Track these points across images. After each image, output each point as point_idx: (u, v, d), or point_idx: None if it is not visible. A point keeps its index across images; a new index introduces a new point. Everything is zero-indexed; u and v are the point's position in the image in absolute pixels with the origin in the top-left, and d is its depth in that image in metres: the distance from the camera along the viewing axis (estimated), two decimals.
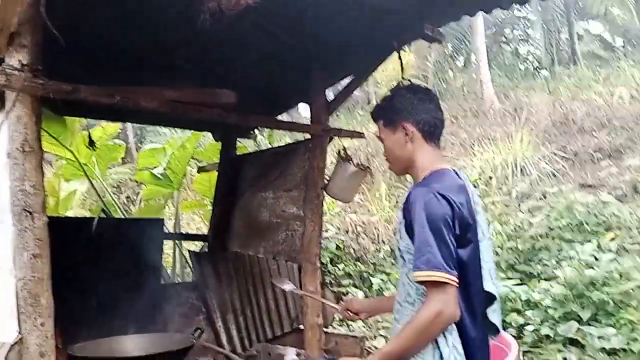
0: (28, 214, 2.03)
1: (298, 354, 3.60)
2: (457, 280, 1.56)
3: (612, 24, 18.31)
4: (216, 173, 4.58)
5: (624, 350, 3.09)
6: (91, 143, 3.15)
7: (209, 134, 4.80)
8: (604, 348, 3.18)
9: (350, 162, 3.26)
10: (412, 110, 1.80)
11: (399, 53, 2.97)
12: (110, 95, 2.42)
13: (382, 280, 5.76)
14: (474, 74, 15.06)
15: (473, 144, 7.97)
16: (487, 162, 6.96)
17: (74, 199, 6.79)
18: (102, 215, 4.20)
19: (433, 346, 1.62)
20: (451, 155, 7.88)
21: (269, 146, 5.52)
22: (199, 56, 3.04)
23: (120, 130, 5.72)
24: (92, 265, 3.42)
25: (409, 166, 1.83)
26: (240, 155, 4.46)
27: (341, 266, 6.28)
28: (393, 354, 1.63)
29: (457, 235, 1.62)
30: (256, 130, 4.73)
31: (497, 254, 5.03)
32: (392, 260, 6.37)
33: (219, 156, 4.46)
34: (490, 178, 6.58)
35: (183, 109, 2.75)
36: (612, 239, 4.68)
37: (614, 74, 12.62)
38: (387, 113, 1.86)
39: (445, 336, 1.61)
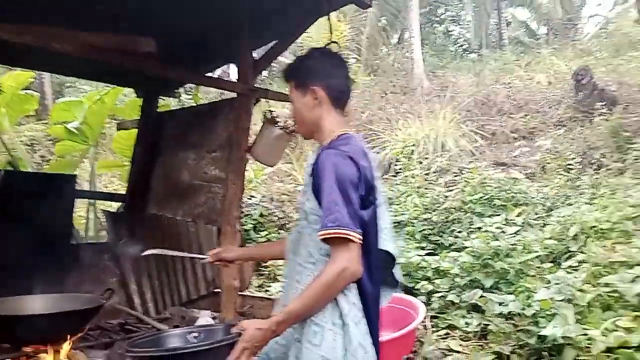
0: None
1: (213, 317, 3.60)
2: (362, 239, 1.63)
3: (537, 12, 19.18)
4: (136, 131, 4.41)
5: (519, 314, 3.33)
6: None
7: (131, 92, 4.59)
8: (502, 313, 3.42)
9: (276, 124, 3.23)
10: (324, 75, 1.83)
11: (328, 16, 2.95)
12: (20, 33, 2.24)
13: None
14: (406, 51, 15.31)
15: (399, 119, 8.17)
16: (410, 136, 7.17)
17: None
18: (9, 168, 3.91)
19: (333, 304, 1.68)
20: (377, 128, 8.05)
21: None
22: (122, 5, 2.87)
23: (34, 80, 5.33)
24: None
25: (315, 130, 1.86)
26: (162, 112, 4.30)
27: (264, 233, 6.28)
28: (297, 311, 1.67)
29: (361, 196, 1.69)
30: (181, 89, 4.56)
31: (412, 225, 5.23)
32: None
33: (138, 112, 4.27)
34: (412, 152, 6.79)
35: (100, 55, 2.60)
36: (519, 214, 5.00)
37: (535, 60, 13.28)
38: (298, 74, 1.87)
39: (345, 293, 1.68)
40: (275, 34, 3.52)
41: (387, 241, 1.81)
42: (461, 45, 22.16)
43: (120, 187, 7.06)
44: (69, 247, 3.72)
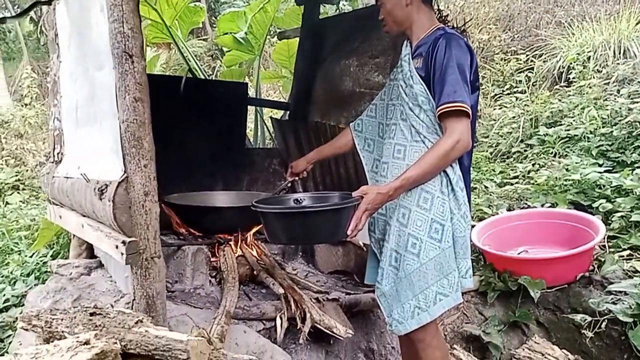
0: (128, 56, 2.03)
1: None
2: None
3: None
4: (296, 41, 4.45)
5: None
6: None
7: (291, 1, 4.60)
8: None
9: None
10: None
11: None
12: None
13: None
14: None
15: (571, 23, 7.22)
16: (586, 42, 6.32)
17: (155, 68, 6.93)
18: (189, 75, 4.22)
19: (441, 173, 1.97)
20: (545, 34, 7.22)
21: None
22: None
23: None
24: (181, 123, 3.51)
25: (407, 26, 2.08)
26: (323, 19, 4.25)
27: None
28: (413, 178, 1.91)
29: (471, 80, 1.92)
30: None
31: (588, 140, 4.73)
32: None
33: (299, 22, 4.28)
34: (588, 59, 6.00)
35: None
36: None
37: None
38: None
39: (452, 166, 1.96)
40: None
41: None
42: None
43: (280, 97, 7.36)
44: (243, 150, 3.98)
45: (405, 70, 2.06)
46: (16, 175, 6.18)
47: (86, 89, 2.61)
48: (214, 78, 8.88)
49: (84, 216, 2.62)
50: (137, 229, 2.11)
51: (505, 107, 6.22)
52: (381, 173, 2.16)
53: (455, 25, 3.01)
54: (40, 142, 7.04)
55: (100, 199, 2.21)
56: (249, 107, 4.45)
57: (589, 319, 2.74)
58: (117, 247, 2.12)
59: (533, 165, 4.84)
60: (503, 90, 6.68)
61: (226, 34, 5.18)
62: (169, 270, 2.72)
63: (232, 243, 2.92)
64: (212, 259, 2.82)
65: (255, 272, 2.79)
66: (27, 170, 6.31)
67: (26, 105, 7.85)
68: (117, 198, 2.07)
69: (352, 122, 2.47)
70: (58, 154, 3.16)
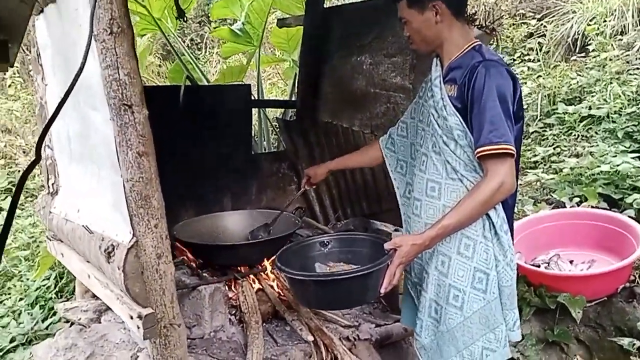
0: (127, 107, 1.76)
1: (395, 230, 3.46)
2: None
3: None
4: (298, 28, 4.10)
5: None
6: (181, 14, 2.71)
7: None
8: None
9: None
10: None
11: None
12: None
13: None
14: None
15: None
16: (600, 5, 5.94)
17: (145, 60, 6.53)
18: (188, 83, 3.89)
19: (484, 217, 1.76)
20: None
21: None
22: None
23: None
24: (182, 134, 3.23)
25: (438, 45, 1.83)
26: (329, 8, 3.89)
27: None
28: (452, 225, 1.72)
29: (514, 111, 1.70)
30: None
31: (613, 120, 4.46)
32: None
33: (299, 7, 3.91)
34: (604, 24, 5.63)
35: None
36: None
37: None
38: None
39: (495, 207, 1.75)
40: None
41: None
42: None
43: (279, 80, 6.99)
44: (250, 156, 3.72)
45: (437, 97, 1.82)
46: (8, 177, 5.89)
47: (78, 123, 2.32)
48: (201, 52, 8.40)
49: (89, 261, 2.40)
50: (152, 295, 1.90)
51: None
52: (414, 211, 1.96)
53: (484, 25, 2.71)
54: (30, 137, 6.70)
55: (108, 262, 1.98)
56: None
57: (638, 343, 2.57)
58: (131, 317, 1.91)
59: (554, 148, 4.59)
60: (514, 59, 6.34)
61: (222, 22, 4.80)
62: (185, 311, 2.52)
63: (250, 276, 2.70)
64: (230, 296, 2.61)
65: (277, 310, 2.59)
66: (19, 171, 6.01)
67: (11, 96, 7.45)
68: (128, 267, 1.84)
69: (382, 137, 2.26)
70: (53, 184, 2.91)
